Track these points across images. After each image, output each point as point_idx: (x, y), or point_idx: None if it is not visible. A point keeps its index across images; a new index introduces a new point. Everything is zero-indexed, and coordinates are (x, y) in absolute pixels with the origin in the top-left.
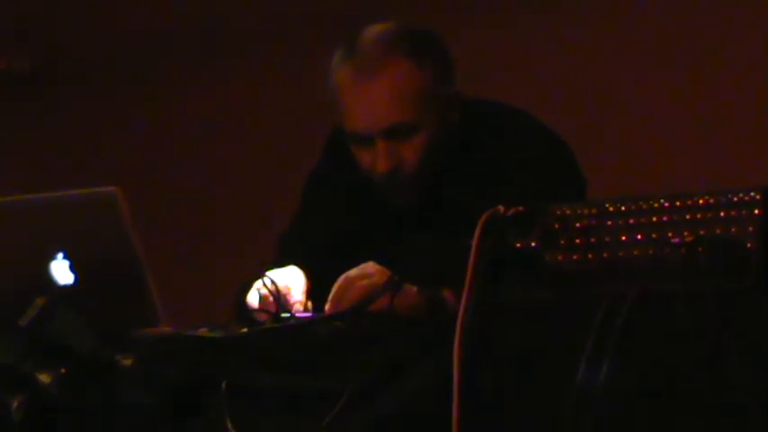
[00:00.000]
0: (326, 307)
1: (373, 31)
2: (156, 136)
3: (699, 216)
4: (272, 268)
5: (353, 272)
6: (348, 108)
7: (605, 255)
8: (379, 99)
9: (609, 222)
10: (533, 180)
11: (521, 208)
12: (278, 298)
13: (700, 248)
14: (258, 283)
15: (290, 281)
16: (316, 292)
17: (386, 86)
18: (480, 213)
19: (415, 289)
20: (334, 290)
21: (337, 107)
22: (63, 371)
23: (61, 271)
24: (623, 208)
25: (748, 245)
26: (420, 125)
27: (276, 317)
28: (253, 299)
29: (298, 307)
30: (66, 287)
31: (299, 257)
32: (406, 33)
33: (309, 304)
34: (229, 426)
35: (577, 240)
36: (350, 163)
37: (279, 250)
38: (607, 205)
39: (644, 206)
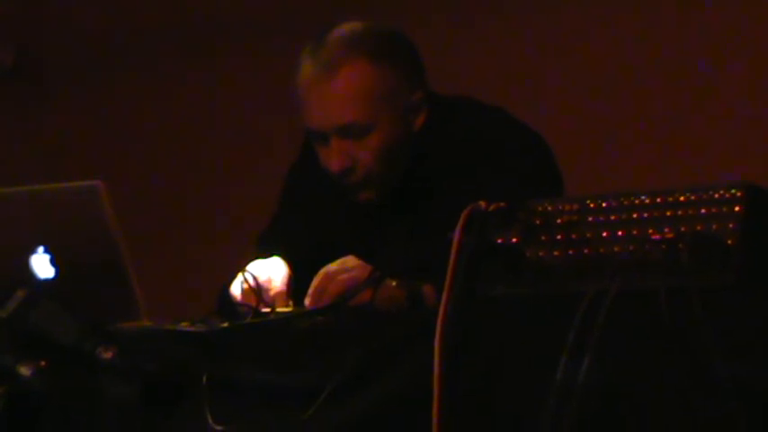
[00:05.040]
0: (306, 301)
1: (339, 30)
2: (140, 130)
3: (680, 213)
4: (255, 259)
5: (333, 266)
6: (306, 105)
7: (586, 251)
8: (333, 97)
9: (590, 218)
10: (507, 176)
11: (501, 204)
12: (258, 291)
13: (680, 245)
14: (241, 276)
15: (272, 272)
16: (295, 286)
17: (341, 85)
18: (453, 210)
19: (395, 283)
20: (313, 284)
21: (299, 103)
22: (43, 363)
23: (42, 264)
24: (604, 204)
25: (729, 242)
26: (374, 126)
27: (257, 311)
28: (236, 290)
29: (279, 297)
30: (46, 280)
31: (278, 251)
32: (371, 34)
33: (289, 300)
34: (209, 419)
35: (558, 236)
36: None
37: (257, 248)
38: (588, 201)
39: (625, 202)
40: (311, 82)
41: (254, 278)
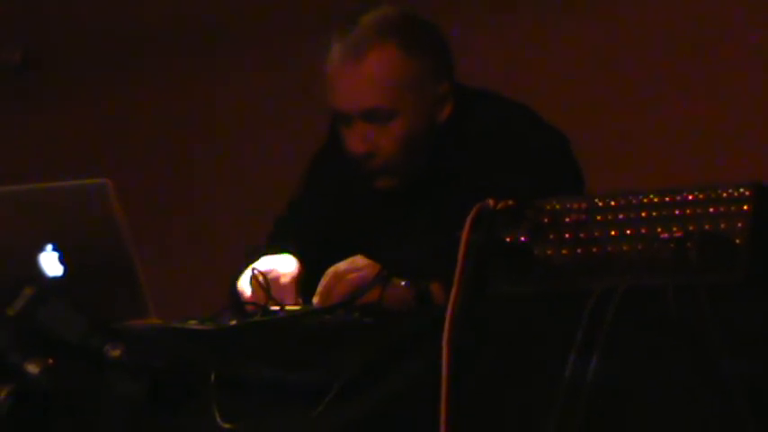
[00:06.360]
0: (315, 300)
1: (371, 13)
2: (146, 128)
3: (688, 212)
4: (266, 254)
5: (342, 265)
6: (333, 85)
7: (595, 249)
8: (360, 80)
9: (598, 217)
10: (529, 173)
11: (510, 202)
12: (267, 288)
13: (689, 244)
14: (249, 271)
15: (281, 267)
16: (306, 279)
17: (368, 69)
18: (473, 204)
19: (403, 282)
20: (322, 283)
21: (327, 84)
22: (51, 361)
23: (50, 262)
24: (613, 203)
25: (737, 241)
26: (398, 113)
27: (266, 310)
28: (244, 286)
29: (287, 293)
30: (55, 278)
31: (291, 241)
32: (404, 21)
33: (298, 297)
34: (217, 417)
35: (567, 235)
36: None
37: (273, 233)
38: (597, 200)
39: (633, 201)
40: (339, 63)
41: (263, 275)
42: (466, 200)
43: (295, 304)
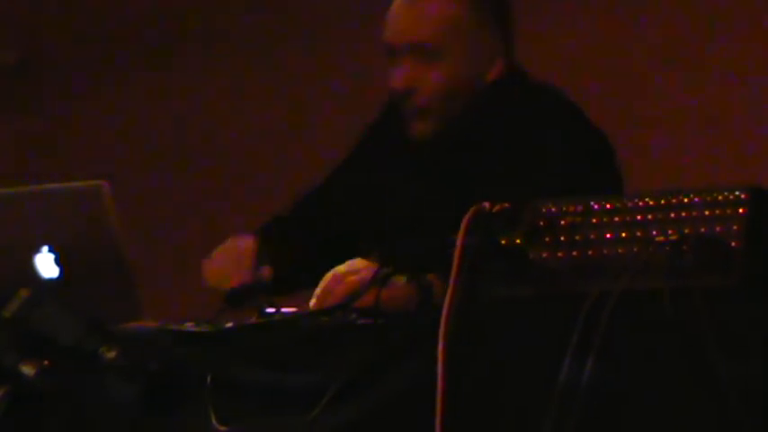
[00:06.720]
0: (312, 302)
1: None
2: (142, 130)
3: (684, 215)
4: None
5: (341, 268)
6: (389, 21)
7: (590, 252)
8: (415, 14)
9: (594, 220)
10: (566, 169)
11: (506, 205)
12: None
13: (685, 247)
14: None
15: (234, 247)
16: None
17: (426, 5)
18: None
19: (403, 280)
20: (321, 285)
21: (384, 26)
22: (46, 363)
23: (46, 264)
24: (608, 206)
25: (733, 244)
26: (446, 54)
27: (262, 312)
28: (205, 276)
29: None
30: (50, 280)
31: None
32: None
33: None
34: (213, 420)
35: (562, 238)
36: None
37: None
38: (592, 203)
39: (629, 204)
40: (401, 1)
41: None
42: (497, 181)
43: (251, 277)
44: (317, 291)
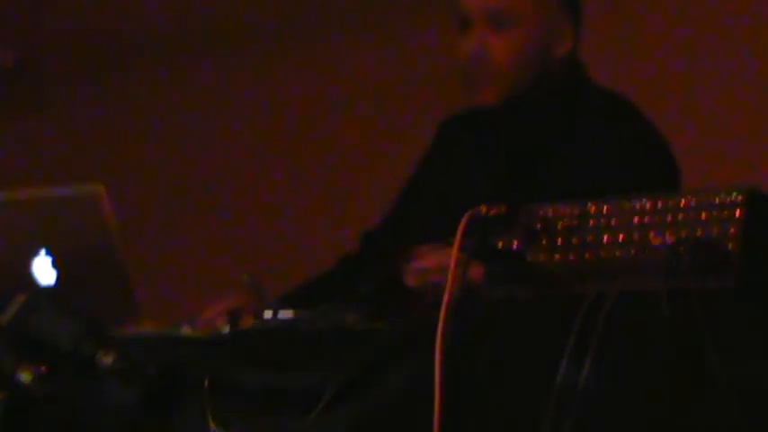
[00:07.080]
0: (411, 266)
1: None
2: (140, 133)
3: (680, 217)
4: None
5: (427, 246)
6: None
7: (587, 255)
8: None
9: (591, 223)
10: (629, 164)
11: (503, 208)
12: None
13: (681, 249)
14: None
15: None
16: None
17: None
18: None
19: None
20: (416, 251)
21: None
22: (44, 368)
23: (43, 268)
24: (605, 209)
25: (729, 246)
26: (519, 22)
27: (258, 316)
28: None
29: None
30: (47, 285)
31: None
32: None
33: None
34: (211, 423)
35: (559, 241)
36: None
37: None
38: (589, 206)
39: (626, 207)
40: None
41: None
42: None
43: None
44: (414, 254)
